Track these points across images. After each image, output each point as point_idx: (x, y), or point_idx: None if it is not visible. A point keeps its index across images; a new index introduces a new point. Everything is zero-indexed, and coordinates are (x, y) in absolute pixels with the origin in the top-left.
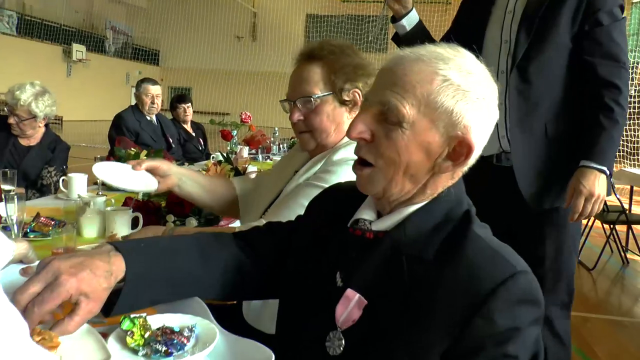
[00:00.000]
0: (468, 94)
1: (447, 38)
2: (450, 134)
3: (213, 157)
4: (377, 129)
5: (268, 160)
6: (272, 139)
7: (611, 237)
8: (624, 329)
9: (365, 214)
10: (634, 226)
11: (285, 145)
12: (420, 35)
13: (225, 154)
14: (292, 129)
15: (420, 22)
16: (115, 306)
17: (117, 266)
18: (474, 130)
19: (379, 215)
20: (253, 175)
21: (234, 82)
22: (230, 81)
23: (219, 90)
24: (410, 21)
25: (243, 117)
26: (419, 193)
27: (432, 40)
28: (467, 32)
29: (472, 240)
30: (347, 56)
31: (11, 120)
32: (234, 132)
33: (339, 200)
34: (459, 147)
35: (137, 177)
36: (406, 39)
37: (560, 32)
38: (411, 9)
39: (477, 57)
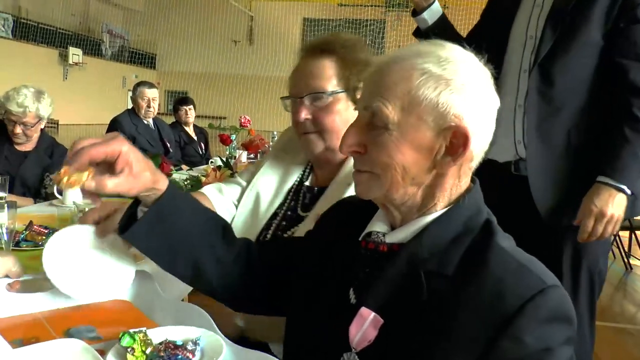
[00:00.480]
0: (451, 82)
1: (474, 33)
2: (442, 126)
3: (211, 162)
4: (367, 138)
5: None
6: (270, 143)
7: (614, 242)
8: (629, 337)
9: (378, 226)
10: (637, 232)
11: None
12: (443, 30)
13: (224, 159)
14: (295, 129)
15: (443, 16)
16: (136, 223)
17: (163, 180)
18: (467, 118)
19: (392, 229)
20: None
21: (231, 86)
22: (227, 85)
23: (215, 94)
24: (432, 14)
25: (242, 121)
26: (428, 197)
27: (456, 34)
28: (494, 27)
29: (496, 253)
30: (360, 51)
31: (18, 130)
32: (233, 137)
33: (350, 214)
34: (454, 139)
35: (102, 264)
36: (428, 34)
37: (591, 28)
38: (433, 1)
39: (464, 47)
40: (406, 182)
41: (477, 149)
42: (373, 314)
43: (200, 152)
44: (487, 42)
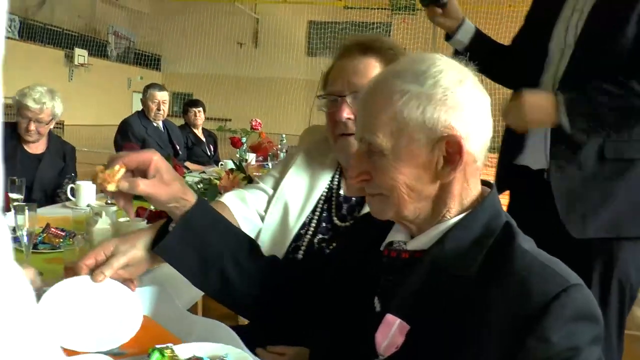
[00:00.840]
0: (433, 96)
1: (517, 39)
2: (434, 140)
3: (221, 165)
4: (369, 165)
5: None
6: (279, 146)
7: None
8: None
9: (398, 235)
10: None
11: None
12: (482, 47)
13: (237, 162)
14: (331, 130)
15: (478, 32)
16: (167, 235)
17: (192, 193)
18: (457, 125)
19: (412, 238)
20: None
21: (236, 88)
22: (232, 87)
23: (220, 96)
24: (465, 33)
25: (253, 124)
26: (439, 207)
27: (497, 45)
28: (535, 33)
29: (518, 254)
30: (403, 56)
31: (32, 127)
32: (244, 139)
33: (372, 227)
34: (450, 148)
35: (105, 315)
36: (468, 53)
37: (628, 36)
38: (463, 20)
39: (440, 54)
40: (413, 199)
41: (477, 149)
42: (399, 320)
43: (209, 154)
44: (529, 49)
